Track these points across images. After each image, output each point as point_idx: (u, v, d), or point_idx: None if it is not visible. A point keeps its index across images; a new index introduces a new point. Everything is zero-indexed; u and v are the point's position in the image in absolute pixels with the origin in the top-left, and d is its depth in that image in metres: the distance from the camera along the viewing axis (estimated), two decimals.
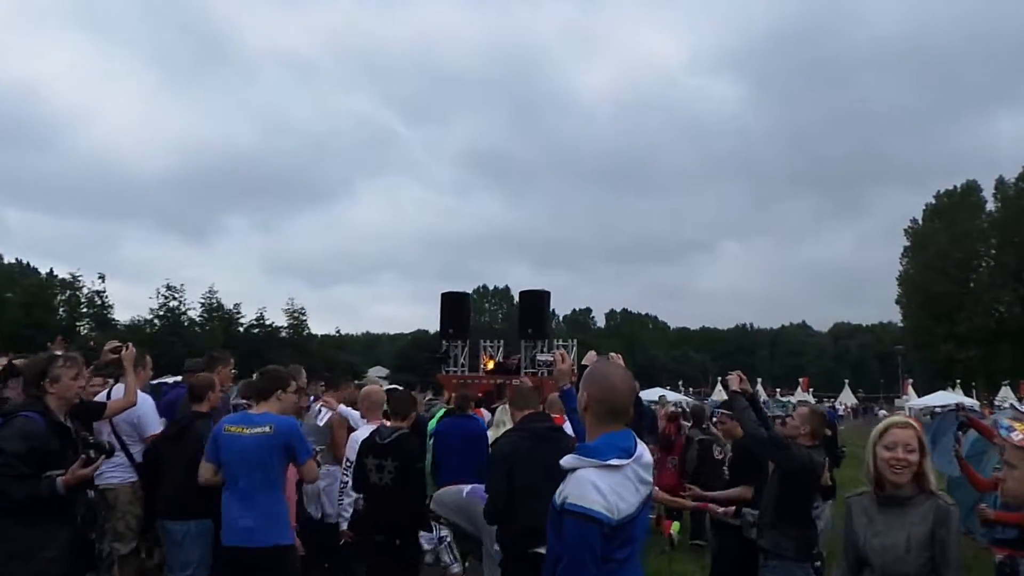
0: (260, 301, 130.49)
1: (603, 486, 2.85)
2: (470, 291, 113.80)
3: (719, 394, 47.36)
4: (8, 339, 41.91)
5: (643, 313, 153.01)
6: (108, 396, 6.31)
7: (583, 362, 6.61)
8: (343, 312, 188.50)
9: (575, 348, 19.52)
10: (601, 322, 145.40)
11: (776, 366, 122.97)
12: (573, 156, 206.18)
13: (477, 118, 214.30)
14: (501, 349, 20.56)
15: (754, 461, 6.35)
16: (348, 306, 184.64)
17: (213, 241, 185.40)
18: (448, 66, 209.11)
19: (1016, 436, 3.34)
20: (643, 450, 3.11)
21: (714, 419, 8.96)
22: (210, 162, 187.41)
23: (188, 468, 5.57)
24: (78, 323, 56.16)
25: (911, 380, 60.13)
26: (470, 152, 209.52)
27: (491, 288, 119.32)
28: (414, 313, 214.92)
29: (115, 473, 6.22)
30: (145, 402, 6.37)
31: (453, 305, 19.76)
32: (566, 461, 2.99)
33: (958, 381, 54.61)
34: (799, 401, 31.07)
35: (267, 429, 5.19)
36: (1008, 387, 47.93)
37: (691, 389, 77.40)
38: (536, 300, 18.58)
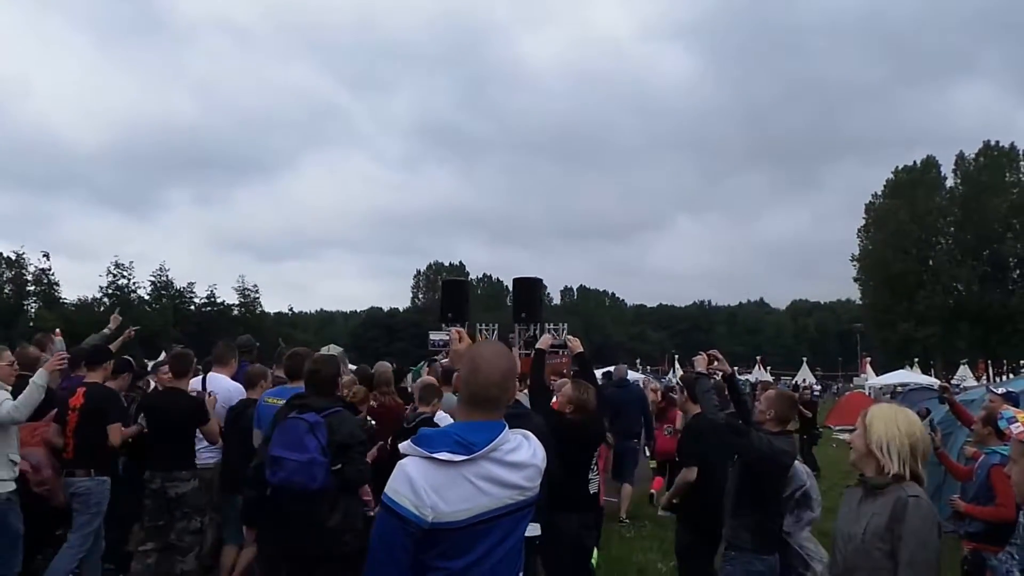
0: (205, 277, 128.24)
1: (419, 481, 2.49)
2: (423, 268, 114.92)
3: (678, 372, 47.10)
4: None
5: (600, 290, 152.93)
6: (203, 384, 7.51)
7: (538, 345, 6.65)
8: (295, 289, 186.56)
9: (565, 331, 20.23)
10: (557, 299, 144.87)
11: (735, 343, 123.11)
12: (523, 128, 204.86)
13: (424, 89, 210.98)
14: (496, 333, 21.62)
15: (697, 441, 6.39)
16: (299, 283, 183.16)
17: (154, 216, 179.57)
18: (392, 34, 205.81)
19: (1016, 428, 3.29)
20: (516, 447, 2.69)
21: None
22: (147, 134, 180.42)
23: (242, 448, 6.44)
24: (25, 302, 55.14)
25: (869, 358, 60.16)
26: (417, 124, 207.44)
27: (446, 265, 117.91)
28: (367, 290, 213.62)
29: (211, 454, 7.31)
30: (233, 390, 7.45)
31: (453, 291, 21.50)
32: (402, 446, 2.64)
33: (916, 360, 54.73)
34: (762, 381, 30.59)
35: None
36: (966, 366, 48.20)
37: (649, 368, 77.05)
38: (529, 286, 20.06)
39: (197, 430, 7.08)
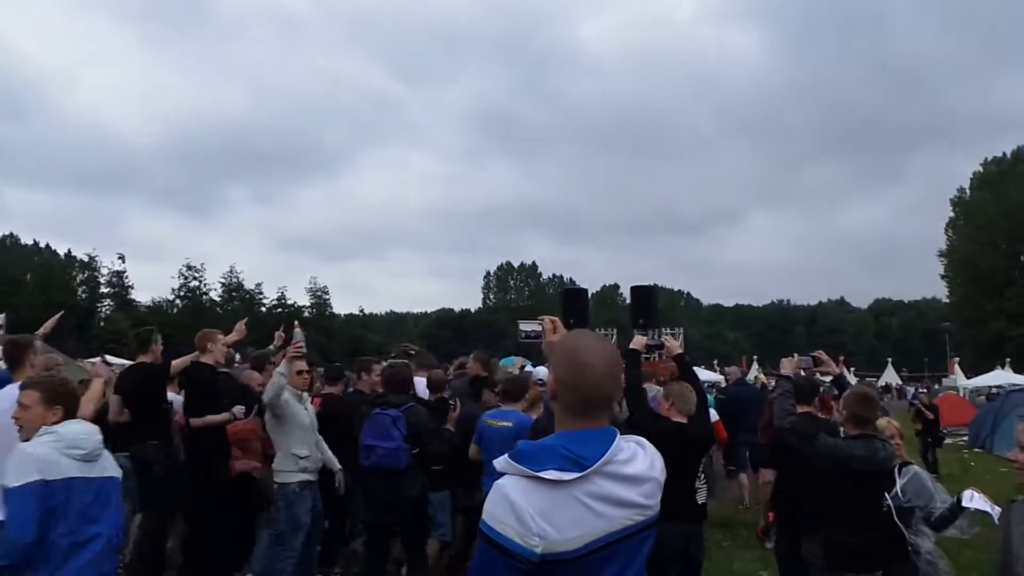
0: (267, 277, 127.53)
1: (523, 505, 2.05)
2: (493, 268, 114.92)
3: (755, 373, 45.76)
4: (26, 322, 40.95)
5: (674, 289, 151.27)
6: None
7: (631, 346, 6.34)
8: (364, 291, 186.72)
9: (682, 336, 20.54)
10: (629, 299, 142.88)
11: (815, 345, 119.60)
12: (586, 117, 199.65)
13: (481, 78, 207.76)
14: (615, 338, 22.36)
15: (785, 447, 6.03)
16: (367, 284, 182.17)
17: (215, 215, 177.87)
18: (447, 21, 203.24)
19: None
20: (631, 457, 2.24)
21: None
22: (200, 130, 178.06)
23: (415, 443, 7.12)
24: (98, 305, 55.84)
25: (958, 359, 58.25)
26: (476, 115, 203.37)
27: (516, 265, 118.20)
28: (435, 290, 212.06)
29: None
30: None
31: (573, 299, 21.04)
32: (497, 463, 2.19)
33: (1008, 360, 52.59)
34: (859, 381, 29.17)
35: (509, 423, 6.73)
36: None
37: (725, 368, 75.45)
38: (645, 293, 20.22)
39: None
